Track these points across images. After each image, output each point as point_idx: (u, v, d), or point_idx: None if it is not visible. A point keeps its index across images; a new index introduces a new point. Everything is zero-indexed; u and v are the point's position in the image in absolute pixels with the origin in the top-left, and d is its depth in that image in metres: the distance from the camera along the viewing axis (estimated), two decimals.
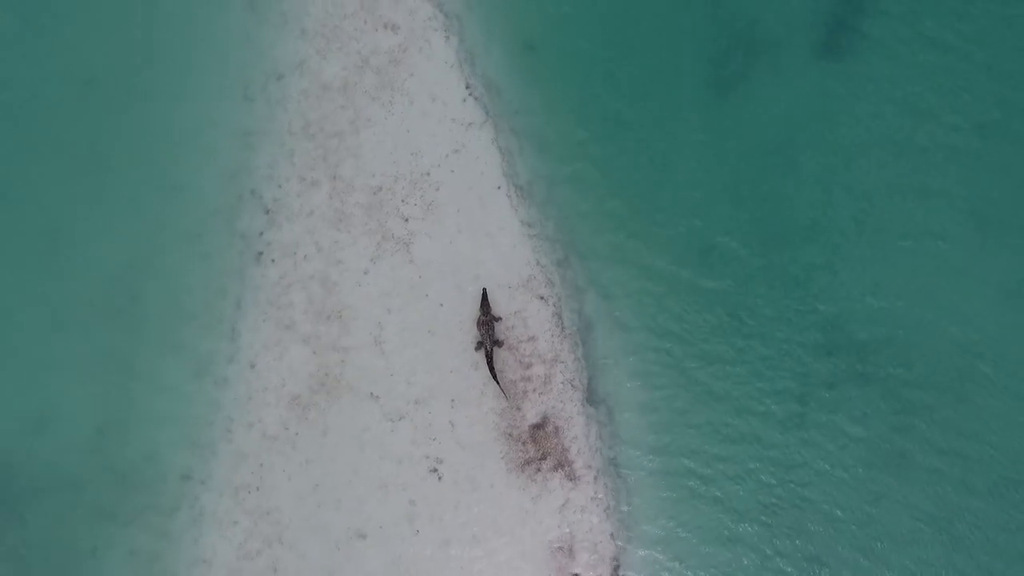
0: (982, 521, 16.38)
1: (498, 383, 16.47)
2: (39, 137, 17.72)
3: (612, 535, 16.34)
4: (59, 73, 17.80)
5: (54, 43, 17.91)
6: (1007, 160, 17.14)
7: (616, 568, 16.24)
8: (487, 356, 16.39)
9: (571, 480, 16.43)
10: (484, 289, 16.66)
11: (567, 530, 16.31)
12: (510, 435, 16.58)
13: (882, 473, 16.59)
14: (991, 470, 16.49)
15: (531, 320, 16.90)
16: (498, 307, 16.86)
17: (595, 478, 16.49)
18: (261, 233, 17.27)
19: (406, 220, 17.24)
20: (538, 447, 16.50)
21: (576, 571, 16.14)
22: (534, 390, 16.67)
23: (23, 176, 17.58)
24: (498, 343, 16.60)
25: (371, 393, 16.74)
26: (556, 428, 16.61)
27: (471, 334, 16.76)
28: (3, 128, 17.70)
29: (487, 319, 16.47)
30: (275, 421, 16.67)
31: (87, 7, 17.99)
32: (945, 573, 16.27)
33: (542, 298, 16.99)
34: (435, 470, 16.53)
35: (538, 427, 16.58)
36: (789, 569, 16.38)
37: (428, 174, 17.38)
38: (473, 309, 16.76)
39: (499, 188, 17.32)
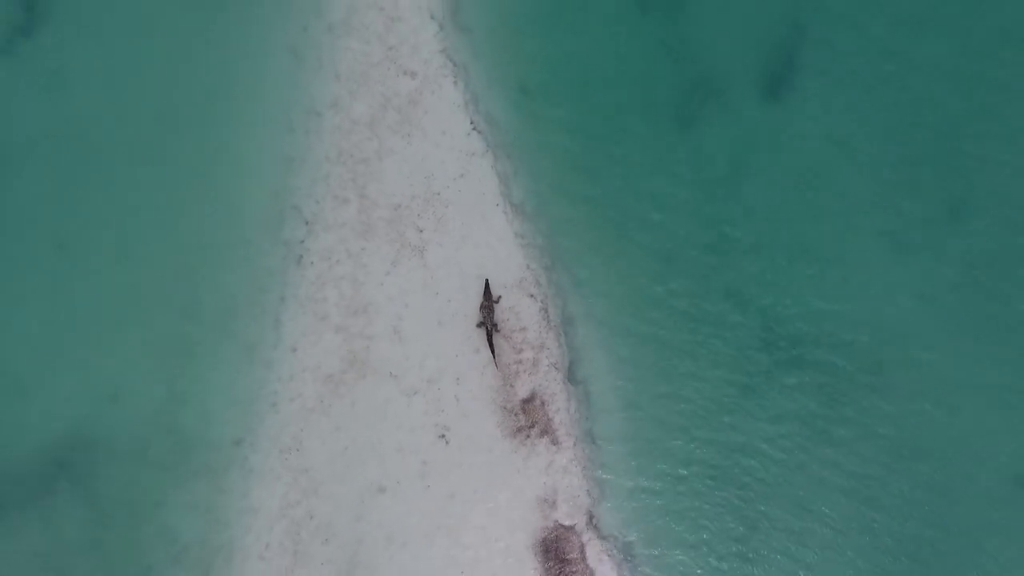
0: (897, 492, 18.49)
1: (493, 357, 18.77)
2: (115, 160, 19.62)
3: (588, 491, 18.58)
4: (135, 110, 19.81)
5: (132, 85, 19.91)
6: (914, 187, 19.62)
7: (591, 518, 18.50)
8: (487, 334, 18.74)
9: (555, 445, 18.66)
10: (486, 280, 18.96)
11: (551, 486, 18.46)
12: (505, 407, 18.77)
13: (809, 451, 18.62)
14: (905, 451, 18.57)
15: (522, 314, 19.15)
16: (497, 296, 18.97)
17: (574, 444, 18.70)
18: (301, 241, 19.27)
19: (421, 231, 19.41)
20: (528, 417, 18.71)
21: (557, 519, 18.35)
22: (524, 371, 18.96)
23: (105, 193, 19.55)
24: (496, 327, 18.81)
25: (391, 373, 18.85)
26: (543, 402, 18.81)
27: (474, 321, 18.92)
28: (89, 154, 19.61)
29: (488, 303, 18.73)
30: (312, 395, 18.67)
31: (159, 57, 20.08)
32: (865, 540, 18.29)
33: (531, 296, 19.23)
34: (443, 436, 18.62)
35: (528, 401, 18.78)
36: (728, 541, 18.32)
37: (439, 194, 19.55)
38: (476, 304, 18.92)
39: (497, 205, 19.55)
